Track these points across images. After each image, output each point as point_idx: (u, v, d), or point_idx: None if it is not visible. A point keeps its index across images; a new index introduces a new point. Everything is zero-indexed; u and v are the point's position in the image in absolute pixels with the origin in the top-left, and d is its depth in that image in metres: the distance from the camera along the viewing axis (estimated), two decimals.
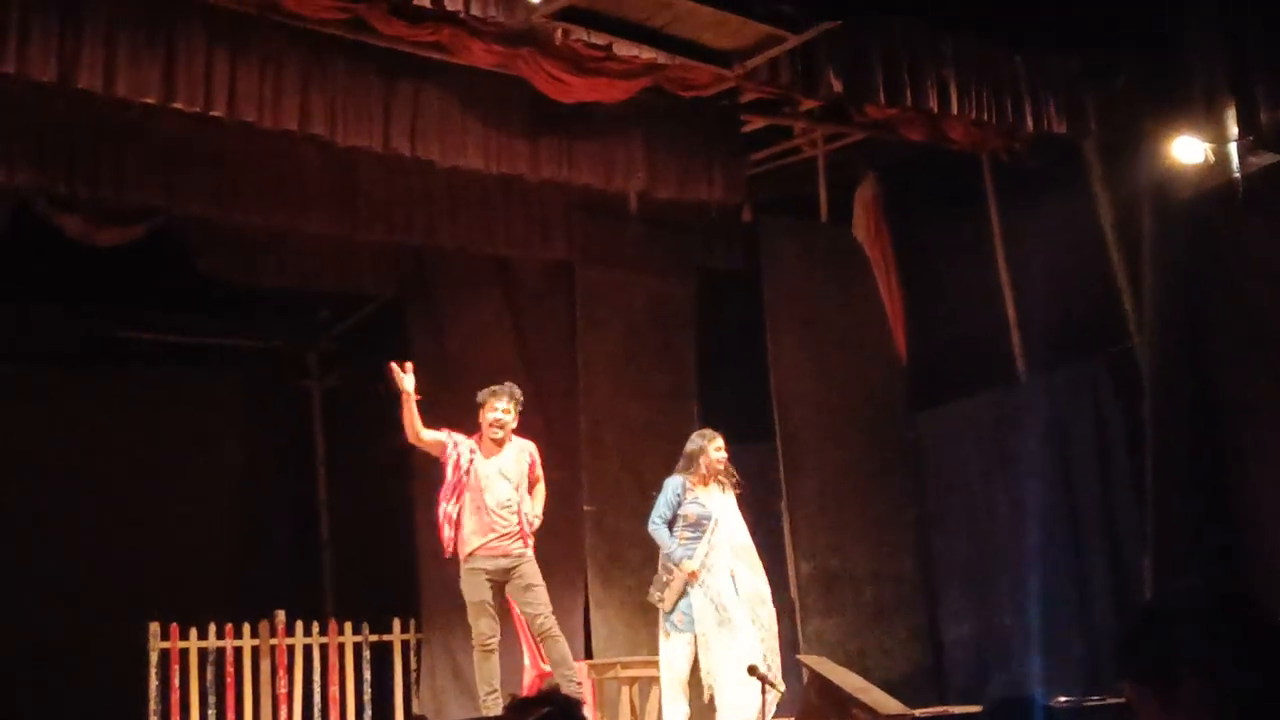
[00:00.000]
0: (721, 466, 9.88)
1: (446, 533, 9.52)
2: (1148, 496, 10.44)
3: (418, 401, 9.53)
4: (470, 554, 9.45)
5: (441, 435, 9.63)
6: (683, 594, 9.61)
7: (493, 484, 9.53)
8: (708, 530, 9.73)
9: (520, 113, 10.15)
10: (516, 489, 9.60)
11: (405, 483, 12.80)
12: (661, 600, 9.67)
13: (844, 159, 12.49)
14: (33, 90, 8.89)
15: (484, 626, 9.41)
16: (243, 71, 9.00)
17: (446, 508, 9.52)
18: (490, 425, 9.57)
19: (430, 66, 9.72)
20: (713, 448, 9.88)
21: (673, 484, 9.84)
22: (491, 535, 9.46)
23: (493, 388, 9.67)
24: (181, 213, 10.86)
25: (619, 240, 12.21)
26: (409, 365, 9.59)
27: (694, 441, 9.96)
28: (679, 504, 9.76)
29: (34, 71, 8.30)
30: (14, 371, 13.32)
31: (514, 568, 9.50)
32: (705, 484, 9.83)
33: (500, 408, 9.57)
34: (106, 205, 10.56)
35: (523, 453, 9.74)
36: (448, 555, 9.59)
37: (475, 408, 9.67)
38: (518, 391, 9.71)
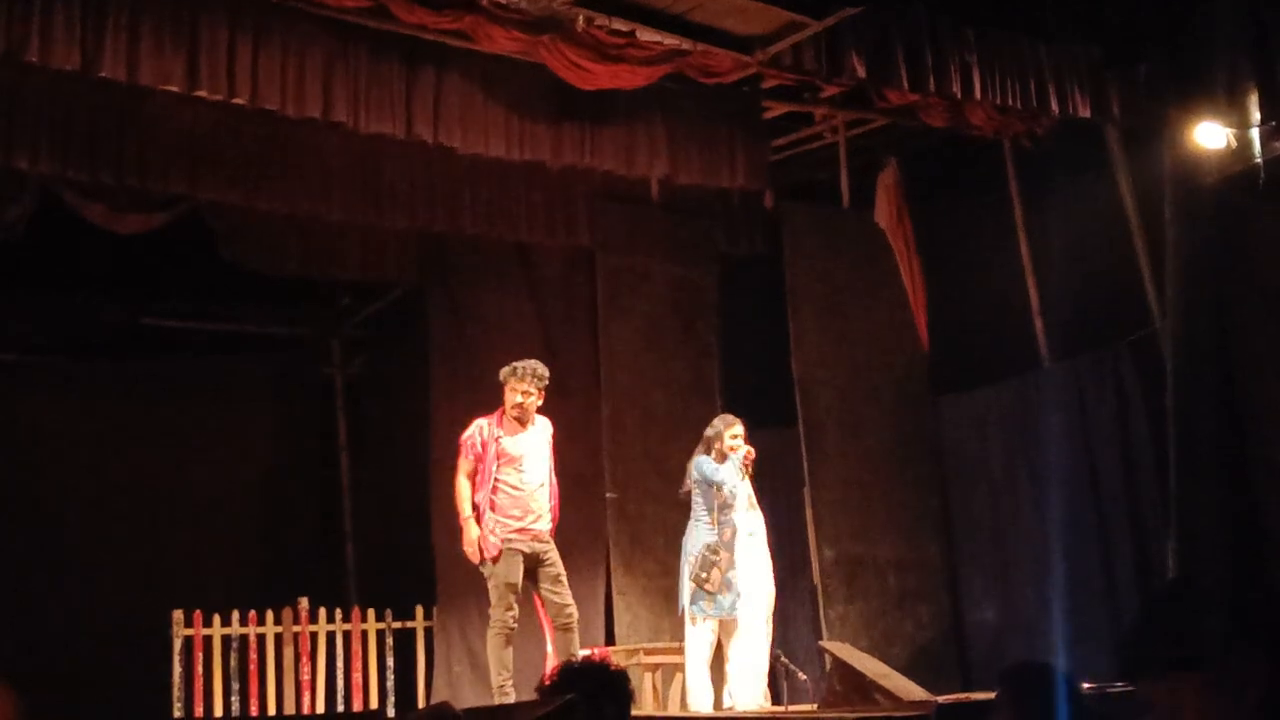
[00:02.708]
0: (734, 453, 9.92)
1: (472, 532, 9.51)
2: (1171, 481, 10.42)
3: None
4: (509, 534, 9.42)
5: (469, 458, 9.59)
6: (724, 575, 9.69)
7: (525, 462, 9.54)
8: (732, 511, 9.81)
9: (542, 99, 10.16)
10: (545, 468, 9.62)
11: (427, 469, 12.82)
12: (708, 582, 9.71)
13: (865, 145, 12.48)
14: (56, 79, 8.92)
15: (508, 611, 9.38)
16: (265, 59, 9.02)
17: (476, 499, 9.50)
18: (513, 408, 9.55)
19: (452, 53, 9.73)
20: (729, 434, 9.95)
21: (701, 459, 9.92)
22: (530, 516, 9.47)
23: (514, 366, 9.65)
24: (205, 200, 10.90)
25: (641, 227, 12.21)
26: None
27: (713, 426, 10.09)
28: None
29: (57, 60, 8.31)
30: (39, 360, 13.39)
31: (546, 553, 9.51)
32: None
33: (521, 389, 9.54)
34: (130, 193, 10.58)
35: (545, 430, 9.75)
36: (478, 562, 9.56)
37: (496, 396, 9.67)
38: (541, 369, 9.67)
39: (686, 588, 9.88)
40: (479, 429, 9.58)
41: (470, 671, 12.26)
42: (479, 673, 12.00)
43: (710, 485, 9.83)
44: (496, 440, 9.49)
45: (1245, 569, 9.75)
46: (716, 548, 9.72)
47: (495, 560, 9.40)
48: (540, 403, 9.68)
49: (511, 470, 9.48)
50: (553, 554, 9.58)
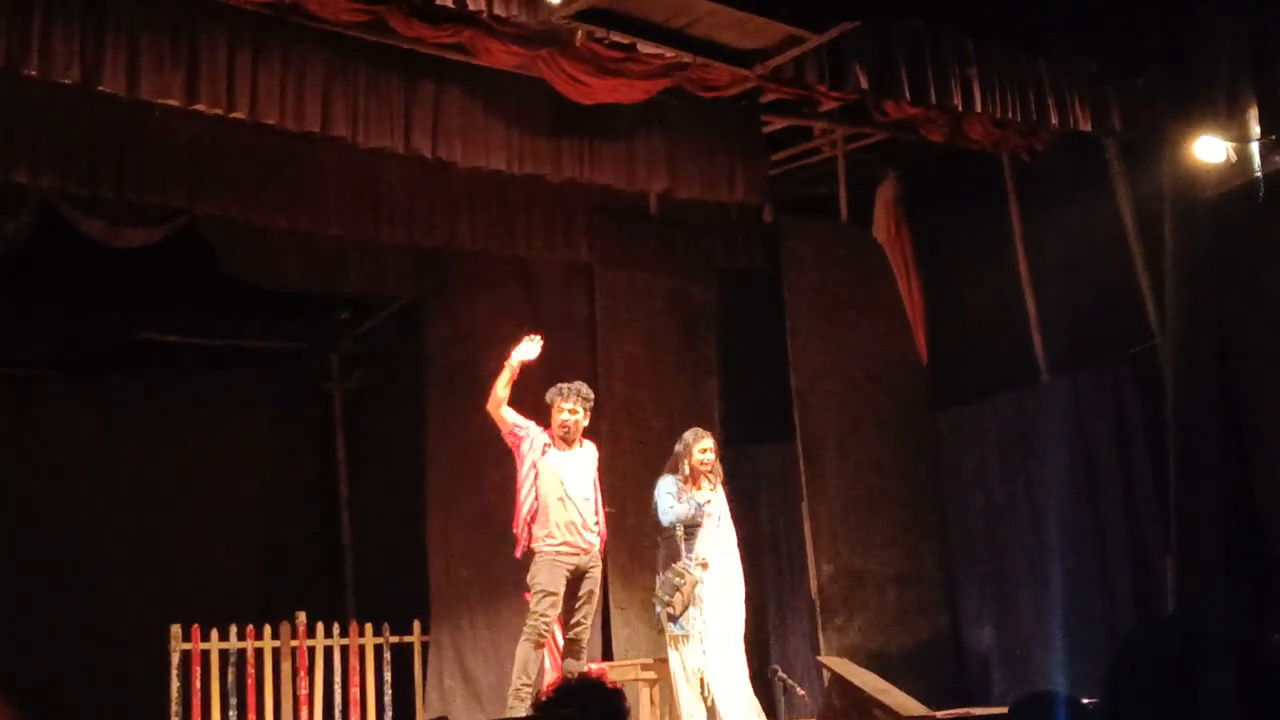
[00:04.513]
0: (707, 468, 9.87)
1: (521, 527, 9.48)
2: (1171, 497, 10.41)
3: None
4: (556, 546, 9.38)
5: (519, 420, 9.52)
6: (691, 599, 9.61)
7: (573, 476, 9.51)
8: (701, 529, 9.75)
9: (542, 114, 10.17)
10: (591, 488, 9.61)
11: (424, 483, 12.80)
12: (670, 605, 9.65)
13: (864, 160, 12.49)
14: (56, 92, 8.91)
15: (546, 619, 9.33)
16: (265, 73, 9.02)
17: (525, 504, 9.47)
18: (559, 427, 9.53)
19: (452, 68, 9.74)
20: (698, 449, 9.89)
21: (665, 484, 9.85)
22: (579, 529, 9.45)
23: (560, 386, 9.63)
24: (204, 215, 10.88)
25: (640, 242, 12.20)
26: (539, 340, 9.50)
27: (682, 440, 9.99)
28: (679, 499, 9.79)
29: (57, 74, 8.31)
30: (39, 375, 13.39)
31: (591, 568, 9.50)
32: (695, 484, 9.83)
33: (568, 408, 9.52)
34: (129, 207, 10.56)
35: (592, 453, 9.74)
36: (519, 554, 9.53)
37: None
38: (586, 389, 9.66)
39: (662, 611, 9.84)
40: (536, 433, 9.54)
41: (463, 686, 12.25)
42: (471, 687, 12.00)
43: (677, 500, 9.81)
44: (544, 452, 9.47)
45: (1246, 585, 9.75)
46: (682, 570, 9.66)
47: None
48: (586, 423, 9.68)
49: (559, 484, 9.46)
50: (596, 570, 9.58)
